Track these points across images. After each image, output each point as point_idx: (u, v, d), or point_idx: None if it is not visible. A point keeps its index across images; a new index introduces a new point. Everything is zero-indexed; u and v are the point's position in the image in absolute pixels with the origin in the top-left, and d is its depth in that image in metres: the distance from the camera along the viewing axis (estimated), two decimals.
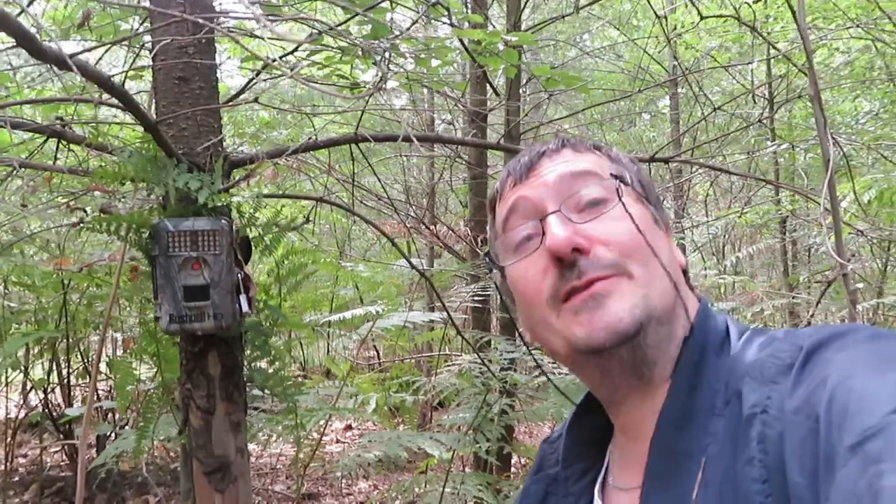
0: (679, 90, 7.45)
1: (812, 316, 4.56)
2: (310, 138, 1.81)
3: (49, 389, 4.51)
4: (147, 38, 2.40)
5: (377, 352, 7.17)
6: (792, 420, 0.57)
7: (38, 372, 4.78)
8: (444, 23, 2.80)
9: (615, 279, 0.69)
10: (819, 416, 0.54)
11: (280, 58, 2.26)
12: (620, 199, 0.72)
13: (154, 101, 1.87)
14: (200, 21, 1.47)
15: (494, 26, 4.52)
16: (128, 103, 1.39)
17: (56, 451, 4.95)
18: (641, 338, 0.69)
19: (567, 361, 0.76)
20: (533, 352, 3.18)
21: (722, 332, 0.73)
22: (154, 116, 1.74)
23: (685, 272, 0.79)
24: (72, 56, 1.02)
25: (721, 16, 3.80)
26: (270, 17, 1.55)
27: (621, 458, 0.78)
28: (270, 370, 1.95)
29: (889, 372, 0.53)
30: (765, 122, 5.14)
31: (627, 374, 0.72)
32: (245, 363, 1.91)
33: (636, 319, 0.68)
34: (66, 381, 4.57)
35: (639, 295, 0.69)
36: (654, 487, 0.68)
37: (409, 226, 3.89)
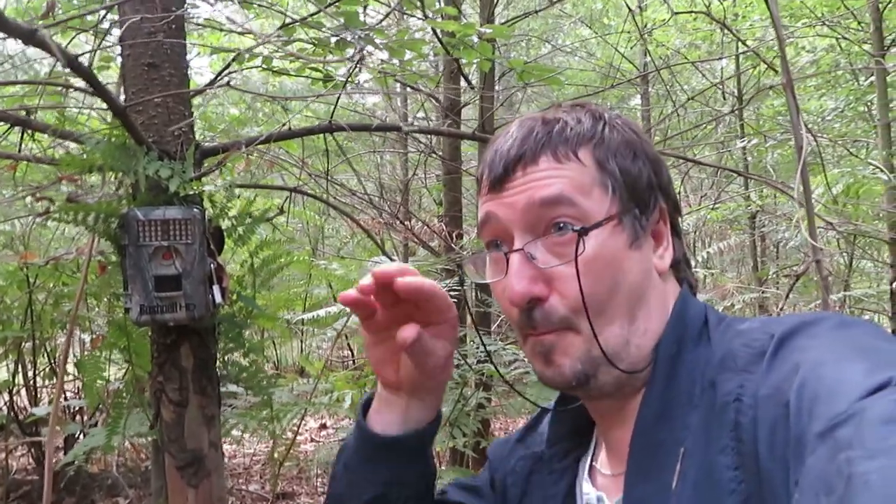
0: (650, 89, 7.52)
1: (781, 310, 4.62)
2: (283, 125, 1.78)
3: (14, 391, 4.40)
4: (115, 30, 2.35)
5: (351, 351, 7.12)
6: (764, 407, 0.58)
7: (2, 374, 4.66)
8: (419, 18, 2.79)
9: (562, 333, 0.71)
10: (790, 402, 0.55)
11: (250, 49, 2.22)
12: (576, 258, 0.69)
13: (122, 88, 1.83)
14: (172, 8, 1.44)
15: (467, 20, 4.52)
16: (94, 85, 1.35)
17: (22, 455, 4.83)
18: (591, 383, 0.71)
19: None
20: (508, 347, 3.18)
21: (700, 321, 0.73)
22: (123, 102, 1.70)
23: (676, 262, 0.78)
24: (35, 30, 0.99)
25: (692, 12, 3.84)
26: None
27: (606, 444, 0.79)
28: (245, 363, 1.91)
29: (858, 360, 0.54)
30: (734, 115, 5.21)
31: (591, 399, 0.76)
32: (219, 356, 1.87)
33: (578, 373, 0.71)
34: (31, 382, 4.46)
35: (583, 350, 0.70)
36: (637, 478, 0.69)
37: (383, 221, 3.86)
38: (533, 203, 0.71)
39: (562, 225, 0.70)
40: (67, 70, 2.00)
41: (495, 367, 2.00)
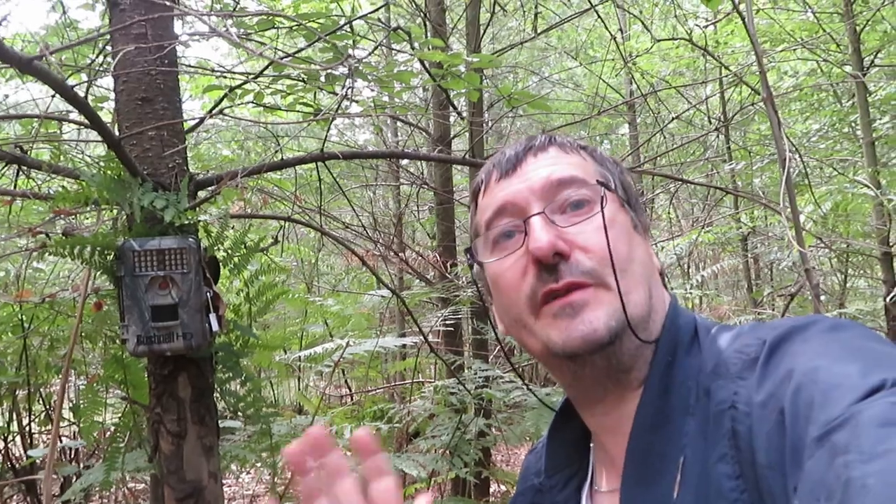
0: (637, 118, 7.63)
1: None
2: (276, 152, 1.81)
3: (9, 439, 4.35)
4: (109, 70, 2.39)
5: (349, 388, 7.07)
6: (759, 414, 0.58)
7: None
8: (405, 52, 2.84)
9: (592, 289, 0.70)
10: (784, 408, 0.55)
11: (241, 85, 2.26)
12: (603, 209, 0.72)
13: (117, 124, 1.86)
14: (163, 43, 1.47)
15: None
16: (90, 116, 1.38)
17: None
18: (616, 346, 0.70)
19: (542, 360, 0.77)
20: (507, 373, 3.18)
21: (691, 329, 0.73)
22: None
23: (661, 274, 0.80)
24: (33, 59, 1.01)
25: (674, 39, 3.93)
26: (237, 34, 1.56)
27: (603, 460, 0.78)
28: (242, 392, 1.91)
29: (851, 362, 0.54)
30: (721, 140, 5.28)
31: (602, 378, 0.73)
32: (216, 385, 1.86)
33: (611, 330, 0.69)
34: (27, 429, 4.41)
35: (614, 306, 0.69)
36: (634, 490, 0.68)
37: (377, 253, 3.88)
38: (550, 180, 0.74)
39: (578, 198, 0.74)
40: (63, 106, 2.03)
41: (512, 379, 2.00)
